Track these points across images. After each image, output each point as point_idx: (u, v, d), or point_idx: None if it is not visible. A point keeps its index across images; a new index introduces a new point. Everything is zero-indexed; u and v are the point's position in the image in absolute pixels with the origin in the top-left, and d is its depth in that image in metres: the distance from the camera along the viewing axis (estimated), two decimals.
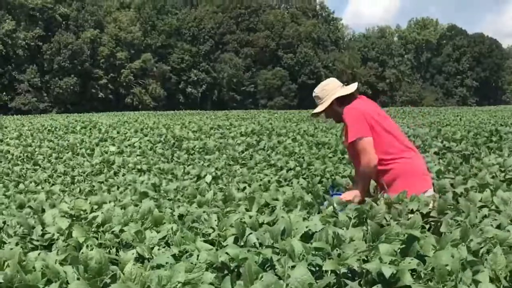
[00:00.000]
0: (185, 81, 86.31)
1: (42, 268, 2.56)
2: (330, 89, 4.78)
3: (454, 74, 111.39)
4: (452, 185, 4.56)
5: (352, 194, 4.43)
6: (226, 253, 2.62)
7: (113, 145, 15.32)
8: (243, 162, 10.94)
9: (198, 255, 2.48)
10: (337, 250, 2.43)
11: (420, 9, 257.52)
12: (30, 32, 74.68)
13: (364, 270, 2.34)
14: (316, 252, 2.50)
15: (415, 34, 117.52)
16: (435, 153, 9.09)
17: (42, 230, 3.63)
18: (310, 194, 4.94)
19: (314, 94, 4.91)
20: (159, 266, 2.53)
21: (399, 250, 2.49)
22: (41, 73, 74.94)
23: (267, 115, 39.53)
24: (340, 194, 4.48)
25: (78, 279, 2.34)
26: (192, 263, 2.38)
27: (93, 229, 3.57)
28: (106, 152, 13.64)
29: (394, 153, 4.44)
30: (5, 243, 3.61)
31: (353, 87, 4.80)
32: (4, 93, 71.92)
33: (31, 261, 2.68)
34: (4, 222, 4.10)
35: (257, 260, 2.47)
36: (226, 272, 2.58)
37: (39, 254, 2.94)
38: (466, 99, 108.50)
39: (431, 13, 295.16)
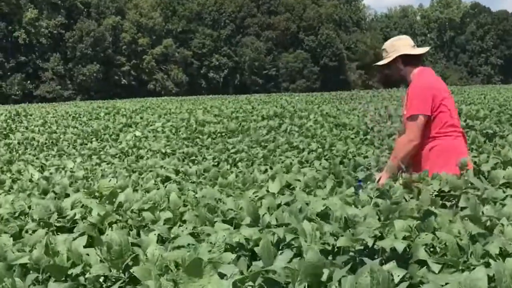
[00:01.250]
0: (206, 66, 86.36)
1: (66, 251, 2.62)
2: (399, 45, 4.61)
3: (478, 53, 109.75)
4: (475, 163, 4.55)
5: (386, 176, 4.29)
6: (240, 233, 2.66)
7: (137, 130, 15.48)
8: (265, 144, 10.98)
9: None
10: (349, 230, 2.46)
11: None
12: (53, 20, 75.33)
13: (380, 247, 2.37)
14: (332, 231, 2.53)
15: (438, 13, 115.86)
16: None
17: (64, 212, 3.71)
18: (332, 175, 4.95)
19: (382, 47, 4.75)
20: (179, 247, 2.57)
21: (414, 226, 2.51)
22: (64, 61, 75.65)
23: (288, 98, 39.46)
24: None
25: (101, 261, 2.40)
26: (211, 243, 2.44)
27: (113, 209, 3.64)
28: (131, 137, 13.79)
29: (443, 132, 4.41)
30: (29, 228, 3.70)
31: (423, 49, 4.69)
32: (29, 82, 72.80)
33: (57, 244, 2.75)
34: (30, 207, 4.19)
35: (272, 240, 2.51)
36: (242, 252, 2.62)
37: (65, 239, 3.01)
38: (490, 78, 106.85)
39: None
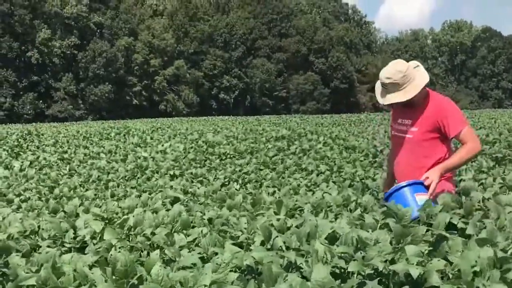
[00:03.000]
0: (217, 87, 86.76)
1: (72, 271, 2.62)
2: (411, 74, 4.34)
3: (489, 77, 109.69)
4: (482, 185, 4.52)
5: (435, 173, 4.17)
6: (252, 256, 2.65)
7: (144, 151, 15.51)
8: (274, 167, 10.96)
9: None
10: (361, 252, 2.44)
11: (454, 11, 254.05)
12: (66, 40, 76.13)
13: (390, 272, 2.35)
14: (342, 255, 2.51)
15: (449, 37, 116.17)
16: None
17: (74, 233, 3.71)
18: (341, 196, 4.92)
19: (391, 81, 4.33)
20: (185, 268, 2.57)
21: (426, 252, 2.49)
22: (76, 80, 76.30)
23: (298, 120, 39.50)
24: (423, 190, 4.08)
25: (106, 281, 2.40)
26: (217, 264, 2.42)
27: (124, 232, 3.64)
28: (139, 158, 13.81)
29: (446, 151, 4.43)
30: (40, 246, 3.70)
31: (425, 72, 4.41)
32: (41, 101, 73.38)
33: (64, 264, 2.75)
34: (39, 226, 4.20)
35: (282, 263, 2.50)
36: (253, 275, 2.61)
37: (72, 257, 3.01)
38: (502, 102, 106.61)
39: (465, 15, 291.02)
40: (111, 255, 2.36)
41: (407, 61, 4.51)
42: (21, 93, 72.36)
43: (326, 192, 4.47)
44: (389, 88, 4.37)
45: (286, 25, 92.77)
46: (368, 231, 2.85)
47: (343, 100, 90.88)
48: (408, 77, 4.32)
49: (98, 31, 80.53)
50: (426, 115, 4.37)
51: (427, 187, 4.07)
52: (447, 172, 4.30)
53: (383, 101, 4.45)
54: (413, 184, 4.07)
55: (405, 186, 4.05)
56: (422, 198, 3.92)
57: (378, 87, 4.53)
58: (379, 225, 3.18)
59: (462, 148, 4.29)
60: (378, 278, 2.32)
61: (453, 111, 4.34)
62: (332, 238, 2.84)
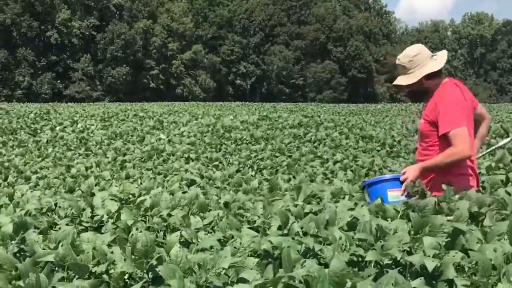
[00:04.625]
0: (234, 73, 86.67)
1: (92, 249, 2.63)
2: (420, 60, 4.30)
3: (509, 71, 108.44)
4: (502, 181, 4.46)
5: (412, 170, 4.11)
6: (269, 241, 2.64)
7: (162, 133, 15.57)
8: (289, 154, 10.95)
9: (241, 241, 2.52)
10: (380, 241, 2.42)
11: (476, 4, 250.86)
12: (85, 21, 76.36)
13: (407, 262, 2.33)
14: (360, 243, 2.50)
15: (469, 29, 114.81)
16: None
17: (91, 212, 3.73)
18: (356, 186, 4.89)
19: (398, 62, 4.39)
20: (204, 250, 2.57)
21: (443, 243, 2.46)
22: (94, 62, 76.58)
23: (315, 108, 39.38)
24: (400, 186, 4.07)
25: (125, 260, 2.41)
26: (235, 247, 2.42)
27: (141, 213, 3.65)
28: (156, 140, 13.87)
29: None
30: (56, 224, 3.73)
31: (442, 59, 4.36)
32: (59, 81, 73.81)
33: (83, 242, 2.76)
34: (56, 204, 4.23)
35: (299, 249, 2.49)
36: (269, 260, 2.60)
37: (89, 236, 3.02)
38: None
39: (486, 8, 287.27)
40: (132, 235, 2.37)
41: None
42: (39, 72, 72.84)
43: (342, 181, 4.44)
44: (399, 69, 4.41)
45: (306, 12, 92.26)
46: (387, 220, 2.83)
47: (360, 89, 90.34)
48: (416, 63, 4.29)
49: (118, 12, 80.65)
50: (429, 107, 4.30)
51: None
52: (427, 171, 4.18)
53: (393, 84, 4.52)
54: (393, 180, 4.08)
55: (384, 181, 4.09)
56: (394, 194, 3.96)
57: None
58: (399, 215, 3.16)
59: (447, 150, 4.16)
60: (396, 269, 2.31)
61: (447, 110, 4.15)
62: (351, 226, 2.82)
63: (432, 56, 4.37)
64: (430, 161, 4.23)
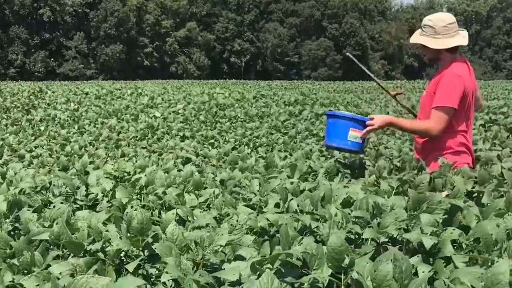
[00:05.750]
0: (229, 50, 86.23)
1: (87, 227, 2.62)
2: (452, 30, 4.26)
3: (504, 48, 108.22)
4: (498, 157, 4.45)
5: (381, 120, 4.12)
6: (266, 218, 2.63)
7: (157, 111, 15.50)
8: (285, 131, 10.93)
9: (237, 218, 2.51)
10: (377, 219, 2.41)
11: None
12: None
13: (404, 239, 2.32)
14: (356, 220, 2.49)
15: (464, 6, 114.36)
16: (481, 125, 8.91)
17: (86, 190, 3.71)
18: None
19: (430, 24, 4.27)
20: (199, 228, 2.55)
21: (441, 220, 2.45)
22: (88, 40, 76.03)
23: (310, 86, 39.27)
24: (361, 128, 4.09)
25: (120, 238, 2.39)
26: (232, 225, 2.41)
27: (136, 191, 3.63)
28: (151, 118, 13.81)
29: (457, 130, 4.31)
30: (51, 202, 3.70)
31: (467, 38, 4.39)
32: (52, 59, 73.33)
33: (78, 220, 2.74)
34: (50, 182, 4.20)
35: (296, 226, 2.48)
36: (265, 237, 2.60)
37: (84, 214, 3.00)
38: None
39: None
40: (127, 213, 2.35)
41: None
42: (32, 50, 72.32)
43: (338, 158, 4.42)
44: (425, 29, 4.31)
45: None
46: (383, 197, 2.82)
47: (355, 67, 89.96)
48: (448, 31, 4.26)
49: None
50: (434, 80, 4.32)
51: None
52: (392, 126, 4.28)
53: (410, 39, 4.48)
54: (356, 120, 4.10)
55: (350, 118, 4.11)
56: (354, 134, 4.03)
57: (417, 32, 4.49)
58: (393, 191, 3.15)
59: (423, 121, 4.25)
60: (397, 246, 2.30)
61: (443, 88, 4.17)
62: (347, 203, 2.81)
63: (459, 31, 4.36)
64: (401, 121, 4.32)
